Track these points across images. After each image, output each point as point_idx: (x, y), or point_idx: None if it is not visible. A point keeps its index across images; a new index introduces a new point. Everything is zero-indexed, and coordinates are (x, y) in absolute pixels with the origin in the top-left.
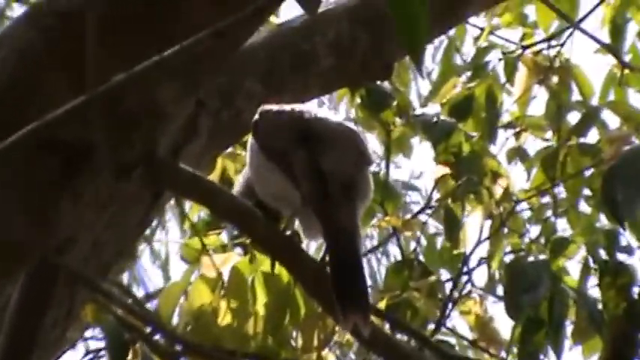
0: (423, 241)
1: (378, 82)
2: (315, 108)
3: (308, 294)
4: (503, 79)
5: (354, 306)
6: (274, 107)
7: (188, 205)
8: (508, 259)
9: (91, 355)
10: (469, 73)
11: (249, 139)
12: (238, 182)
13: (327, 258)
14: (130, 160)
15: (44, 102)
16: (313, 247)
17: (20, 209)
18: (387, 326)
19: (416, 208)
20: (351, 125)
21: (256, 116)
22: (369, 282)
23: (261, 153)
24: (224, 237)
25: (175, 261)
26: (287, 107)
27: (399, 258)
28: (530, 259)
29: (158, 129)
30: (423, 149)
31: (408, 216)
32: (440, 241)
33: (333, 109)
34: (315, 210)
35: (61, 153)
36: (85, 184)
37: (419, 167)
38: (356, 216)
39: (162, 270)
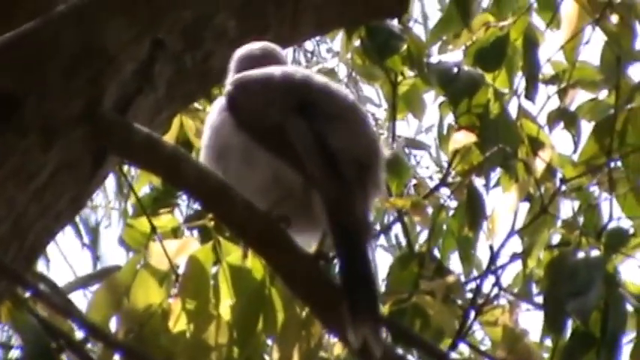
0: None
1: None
2: (312, 72)
3: (294, 294)
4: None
5: (364, 317)
6: (254, 73)
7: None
8: (549, 255)
9: None
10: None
11: (214, 114)
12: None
13: (337, 256)
14: (66, 116)
15: None
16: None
17: None
18: (388, 338)
19: (429, 182)
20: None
21: (229, 88)
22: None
23: (240, 133)
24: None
25: (109, 247)
26: (275, 69)
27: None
28: (580, 255)
29: (104, 77)
30: (438, 108)
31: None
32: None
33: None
34: (324, 195)
35: None
36: (5, 150)
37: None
38: (370, 205)
39: (93, 256)
